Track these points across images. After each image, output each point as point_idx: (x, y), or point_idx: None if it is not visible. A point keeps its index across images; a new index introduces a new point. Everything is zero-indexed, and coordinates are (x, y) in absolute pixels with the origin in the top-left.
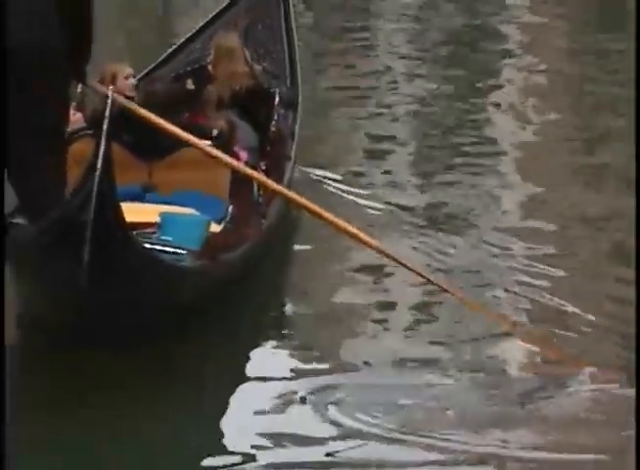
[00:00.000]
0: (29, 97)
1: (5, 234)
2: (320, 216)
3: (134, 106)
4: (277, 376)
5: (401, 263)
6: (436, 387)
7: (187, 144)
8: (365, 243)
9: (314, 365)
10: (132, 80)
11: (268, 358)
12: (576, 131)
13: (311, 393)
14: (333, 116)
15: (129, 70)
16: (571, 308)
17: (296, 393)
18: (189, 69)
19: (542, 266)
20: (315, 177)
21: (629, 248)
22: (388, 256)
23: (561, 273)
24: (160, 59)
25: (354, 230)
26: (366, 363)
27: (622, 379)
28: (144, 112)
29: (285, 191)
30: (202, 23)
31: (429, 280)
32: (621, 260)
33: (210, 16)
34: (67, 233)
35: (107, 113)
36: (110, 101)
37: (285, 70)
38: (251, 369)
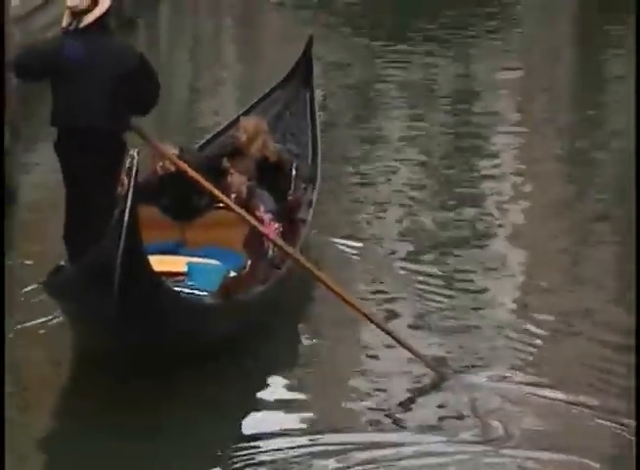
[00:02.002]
0: (86, 169)
1: (4, 234)
2: (321, 281)
3: (186, 167)
4: None
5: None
6: None
7: (214, 208)
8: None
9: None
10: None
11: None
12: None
13: None
14: None
15: (174, 150)
16: None
17: None
18: (224, 150)
19: None
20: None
21: None
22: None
23: None
24: (203, 141)
25: (352, 299)
26: None
27: None
28: (194, 173)
29: (290, 250)
30: (240, 112)
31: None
32: None
33: (248, 106)
34: (99, 275)
35: (133, 171)
36: (135, 162)
37: (307, 150)
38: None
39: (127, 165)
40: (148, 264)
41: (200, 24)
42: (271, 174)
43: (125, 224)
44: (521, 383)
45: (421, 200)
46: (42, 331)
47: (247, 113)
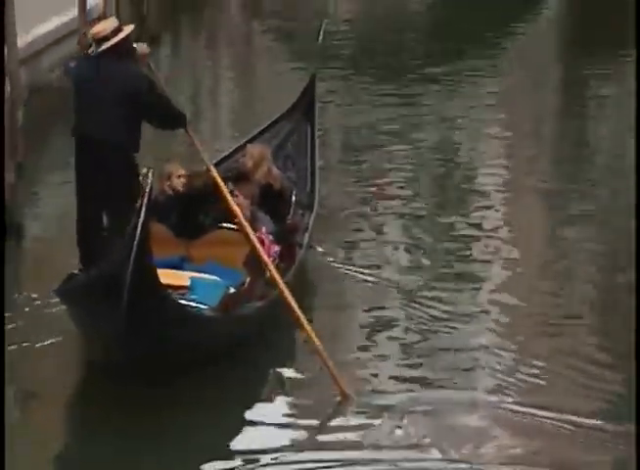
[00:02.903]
0: (97, 178)
1: (4, 235)
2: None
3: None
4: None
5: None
6: None
7: (218, 228)
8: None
9: None
10: (183, 179)
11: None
12: None
13: None
14: None
15: (182, 171)
16: None
17: None
18: (230, 174)
19: None
20: None
21: None
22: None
23: None
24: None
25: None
26: None
27: None
28: (220, 181)
29: (280, 284)
30: (246, 139)
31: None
32: None
33: (253, 134)
34: (109, 286)
35: (147, 189)
36: (150, 181)
37: (306, 179)
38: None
39: (142, 184)
40: (157, 278)
41: (198, 67)
42: (273, 199)
43: (137, 240)
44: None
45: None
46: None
47: (252, 140)
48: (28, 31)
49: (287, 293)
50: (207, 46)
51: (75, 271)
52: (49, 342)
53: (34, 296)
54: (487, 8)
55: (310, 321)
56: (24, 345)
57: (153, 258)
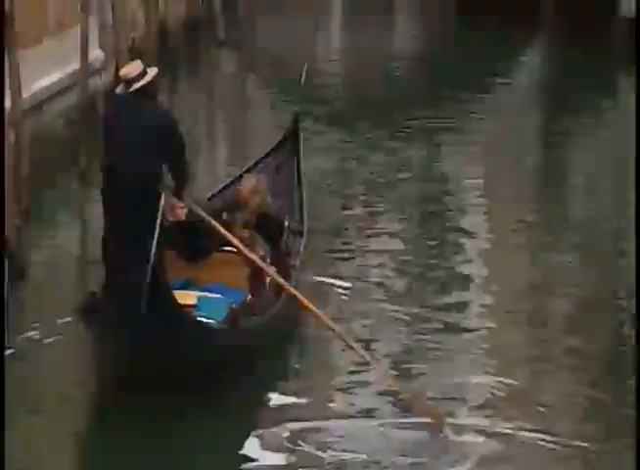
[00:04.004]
0: (123, 204)
1: (4, 236)
2: (310, 311)
3: (206, 216)
4: None
5: (365, 358)
6: None
7: (218, 251)
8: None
9: None
10: (185, 210)
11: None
12: None
13: None
14: None
15: (181, 203)
16: None
17: None
18: (227, 203)
19: None
20: None
21: None
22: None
23: None
24: (210, 194)
25: (336, 327)
26: None
27: None
28: (211, 219)
29: (290, 288)
30: (241, 171)
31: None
32: None
33: (246, 166)
34: (128, 304)
35: (158, 221)
36: (160, 214)
37: (295, 209)
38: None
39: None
40: (172, 295)
41: (194, 108)
42: (268, 225)
43: (152, 262)
44: None
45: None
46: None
47: (247, 172)
48: (33, 83)
49: (297, 293)
50: (202, 91)
51: (94, 290)
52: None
53: (37, 337)
54: (473, 56)
55: None
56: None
57: (168, 277)
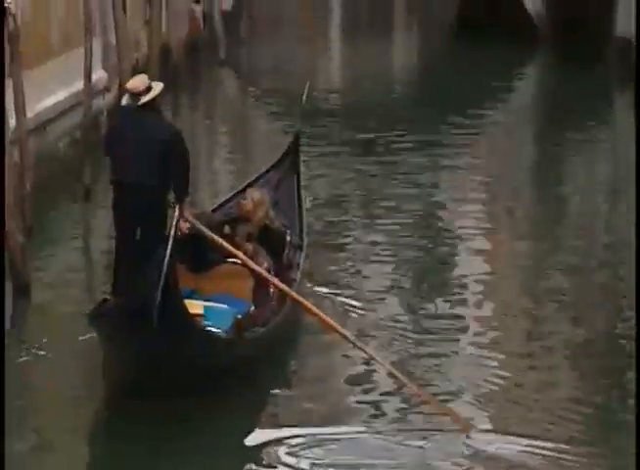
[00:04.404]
0: (133, 216)
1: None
2: (318, 317)
3: (207, 231)
4: None
5: (374, 358)
6: None
7: (223, 262)
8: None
9: None
10: (187, 224)
11: None
12: None
13: None
14: None
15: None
16: None
17: None
18: (228, 218)
19: None
20: None
21: None
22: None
23: None
24: (215, 205)
25: (344, 331)
26: None
27: None
28: (211, 234)
29: (296, 296)
30: (244, 185)
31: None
32: None
33: (248, 181)
34: (139, 314)
35: (172, 230)
36: (174, 227)
37: (295, 224)
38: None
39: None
40: (183, 304)
41: (197, 126)
42: (270, 238)
43: (164, 272)
44: None
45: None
46: None
47: (249, 186)
48: (37, 103)
49: (302, 299)
50: (205, 108)
51: (107, 296)
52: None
53: (42, 353)
54: (471, 78)
55: None
56: None
57: (179, 285)
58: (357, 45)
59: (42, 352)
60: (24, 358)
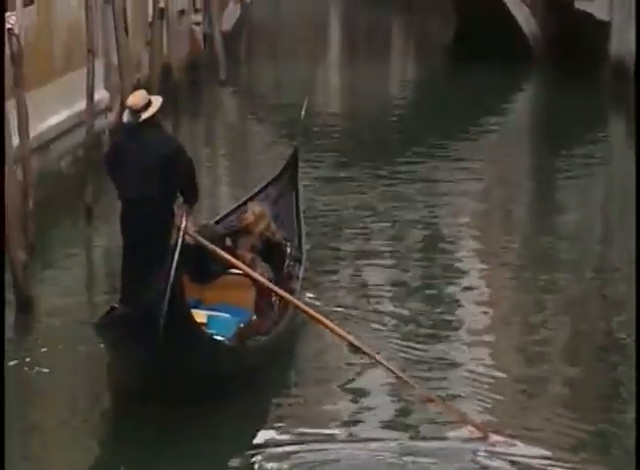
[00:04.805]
0: (140, 227)
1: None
2: (320, 322)
3: (208, 244)
4: None
5: (377, 360)
6: None
7: (226, 274)
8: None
9: None
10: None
11: None
12: None
13: None
14: None
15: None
16: None
17: None
18: (230, 230)
19: None
20: None
21: None
22: (366, 353)
23: None
24: (218, 218)
25: (345, 333)
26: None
27: None
28: (213, 246)
29: (299, 303)
30: (245, 198)
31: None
32: None
33: (248, 195)
34: (146, 323)
35: (178, 244)
36: (179, 239)
37: (294, 237)
38: None
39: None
40: (189, 313)
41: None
42: (271, 250)
43: (170, 283)
44: None
45: None
46: None
47: (250, 200)
48: (40, 123)
49: (305, 307)
50: (205, 129)
51: (115, 305)
52: None
53: (45, 370)
54: (468, 99)
55: None
56: None
57: (185, 295)
58: (356, 66)
59: (44, 369)
60: (26, 369)
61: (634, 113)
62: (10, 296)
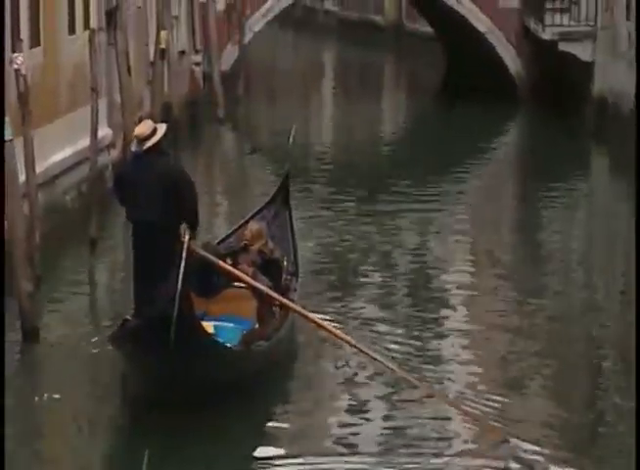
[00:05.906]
0: (149, 246)
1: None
2: (319, 326)
3: (213, 258)
4: None
5: (375, 358)
6: None
7: (229, 287)
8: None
9: None
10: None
11: None
12: None
13: None
14: None
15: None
16: None
17: None
18: (229, 251)
19: None
20: None
21: None
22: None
23: None
24: (220, 238)
25: (347, 337)
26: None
27: None
28: (217, 260)
29: (298, 308)
30: (242, 221)
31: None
32: None
33: (247, 216)
34: (158, 332)
35: (183, 257)
36: (184, 253)
37: (290, 253)
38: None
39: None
40: (199, 323)
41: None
42: (269, 265)
43: (179, 292)
44: None
45: None
46: None
47: (248, 221)
48: (46, 159)
49: (304, 311)
50: (203, 165)
51: (128, 317)
52: None
53: (56, 396)
54: (456, 137)
55: None
56: None
57: (193, 305)
58: (347, 104)
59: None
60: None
61: (634, 137)
62: (16, 326)
